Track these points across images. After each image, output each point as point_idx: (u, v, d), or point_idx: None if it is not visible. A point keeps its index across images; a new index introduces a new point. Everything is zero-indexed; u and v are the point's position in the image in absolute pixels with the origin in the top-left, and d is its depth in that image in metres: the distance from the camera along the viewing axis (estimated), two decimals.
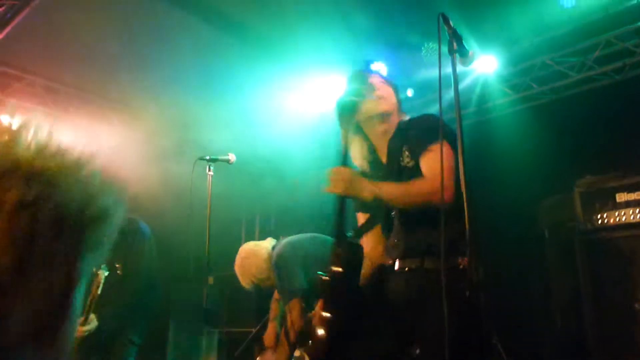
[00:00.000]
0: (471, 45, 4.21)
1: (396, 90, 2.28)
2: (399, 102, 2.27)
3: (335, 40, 4.14)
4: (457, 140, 1.75)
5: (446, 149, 1.85)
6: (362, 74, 2.22)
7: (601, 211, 3.37)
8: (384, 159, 2.22)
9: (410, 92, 5.10)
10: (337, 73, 4.84)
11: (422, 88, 4.90)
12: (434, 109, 2.13)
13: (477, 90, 4.78)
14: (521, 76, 4.71)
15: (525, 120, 4.54)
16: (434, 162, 1.89)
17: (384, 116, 2.19)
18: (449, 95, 1.95)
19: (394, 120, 2.21)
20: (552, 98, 4.58)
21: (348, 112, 2.10)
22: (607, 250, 3.31)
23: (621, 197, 3.33)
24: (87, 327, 3.17)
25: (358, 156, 2.24)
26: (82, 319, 3.21)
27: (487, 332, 3.72)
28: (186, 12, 4.09)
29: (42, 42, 4.27)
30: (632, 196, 3.29)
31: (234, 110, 4.75)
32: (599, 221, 3.36)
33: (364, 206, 2.28)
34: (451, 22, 1.85)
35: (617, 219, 3.31)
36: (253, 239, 5.17)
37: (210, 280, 5.51)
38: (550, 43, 4.38)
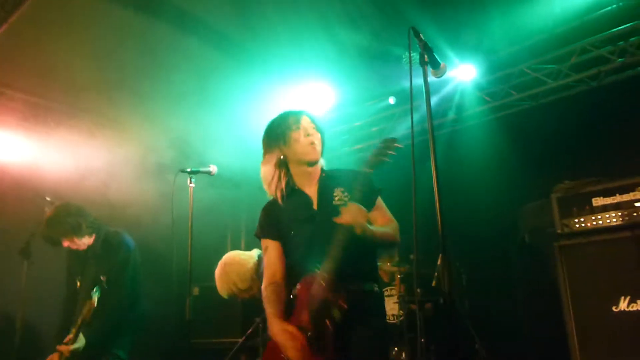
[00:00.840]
0: (448, 54, 4.29)
1: (324, 136, 2.39)
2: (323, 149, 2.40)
3: (316, 50, 4.18)
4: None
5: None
6: (297, 116, 2.35)
7: (578, 216, 3.43)
8: (313, 198, 2.35)
9: (392, 100, 5.17)
10: (318, 81, 4.89)
11: (402, 97, 4.97)
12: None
13: (456, 98, 4.85)
14: (499, 84, 4.79)
15: (504, 128, 4.61)
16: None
17: (312, 164, 2.34)
18: (431, 103, 2.01)
19: (319, 166, 2.38)
20: (530, 105, 4.66)
21: (274, 144, 2.32)
22: (584, 254, 3.37)
23: (597, 202, 3.40)
24: (76, 345, 3.17)
25: (273, 185, 2.36)
26: (70, 336, 3.21)
27: (471, 337, 3.77)
28: (170, 25, 4.12)
29: (23, 56, 4.26)
30: (608, 200, 3.36)
31: (216, 120, 4.77)
32: (576, 225, 3.42)
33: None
34: (421, 35, 1.90)
35: (594, 223, 3.37)
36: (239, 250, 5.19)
37: (196, 291, 5.51)
38: (528, 51, 4.46)
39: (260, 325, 4.87)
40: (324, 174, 2.39)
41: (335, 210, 2.15)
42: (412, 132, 1.93)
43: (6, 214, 4.30)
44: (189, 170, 3.16)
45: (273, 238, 2.35)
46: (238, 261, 3.53)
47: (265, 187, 2.40)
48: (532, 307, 3.86)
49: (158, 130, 4.82)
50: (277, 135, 2.33)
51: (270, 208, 2.40)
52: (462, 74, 4.65)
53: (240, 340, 4.93)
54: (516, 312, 3.98)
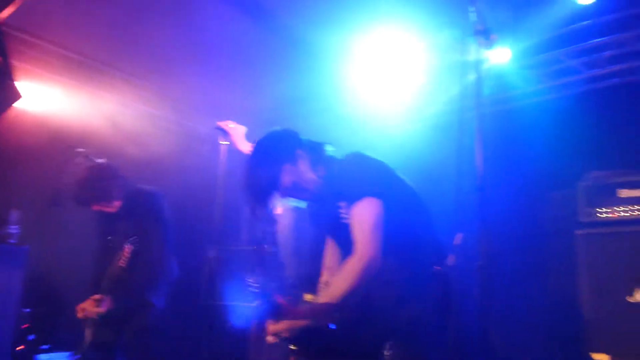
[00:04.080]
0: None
1: (302, 156, 2.18)
2: (308, 165, 2.20)
3: None
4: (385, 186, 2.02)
5: (371, 204, 2.01)
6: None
7: (602, 206, 3.44)
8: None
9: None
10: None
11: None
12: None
13: (488, 82, 4.80)
14: (533, 70, 4.73)
15: (534, 115, 4.57)
16: (357, 230, 2.02)
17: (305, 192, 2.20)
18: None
19: (313, 183, 2.19)
20: (562, 94, 4.61)
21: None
22: (605, 244, 3.38)
23: (623, 193, 3.40)
24: (102, 309, 3.24)
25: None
26: (98, 296, 3.29)
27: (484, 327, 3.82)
28: None
29: (59, 9, 4.29)
30: (634, 193, 3.36)
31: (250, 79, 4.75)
32: (600, 215, 3.43)
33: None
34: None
35: (618, 214, 3.38)
36: None
37: (212, 253, 5.60)
38: (564, 38, 4.39)
39: None
40: (323, 187, 2.29)
41: (346, 230, 2.13)
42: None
43: (41, 164, 4.37)
44: (219, 125, 3.09)
45: None
46: None
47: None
48: (549, 295, 3.89)
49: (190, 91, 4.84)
50: None
51: None
52: (497, 56, 4.59)
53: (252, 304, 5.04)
54: (533, 300, 3.99)
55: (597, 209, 3.45)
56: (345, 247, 2.09)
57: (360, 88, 4.94)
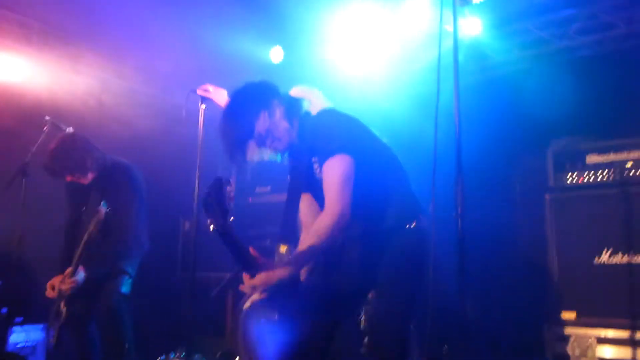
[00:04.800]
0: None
1: (268, 110, 2.17)
2: (280, 118, 2.20)
3: None
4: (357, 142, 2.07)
5: (341, 161, 2.04)
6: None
7: (571, 171, 3.55)
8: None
9: None
10: None
11: None
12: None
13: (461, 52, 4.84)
14: (503, 40, 4.79)
15: (505, 84, 4.65)
16: (327, 186, 2.06)
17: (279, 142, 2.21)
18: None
19: (288, 133, 2.20)
20: (532, 65, 4.69)
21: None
22: (573, 208, 3.50)
23: (591, 159, 3.51)
24: (73, 278, 3.19)
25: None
26: (70, 269, 3.23)
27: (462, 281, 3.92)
28: None
29: None
30: (602, 158, 3.47)
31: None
32: (569, 180, 3.54)
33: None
34: None
35: (586, 180, 3.49)
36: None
37: (186, 225, 5.56)
38: (535, 9, 4.45)
39: None
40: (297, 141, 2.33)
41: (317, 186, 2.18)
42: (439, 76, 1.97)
43: (5, 133, 4.24)
44: (200, 90, 3.00)
45: None
46: None
47: None
48: (520, 257, 4.01)
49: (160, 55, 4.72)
50: None
51: None
52: (468, 27, 4.62)
53: (228, 274, 5.04)
54: (503, 261, 4.12)
55: (566, 174, 3.55)
56: (321, 201, 2.12)
57: (338, 59, 4.93)
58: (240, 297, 4.66)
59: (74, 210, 3.57)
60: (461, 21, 4.51)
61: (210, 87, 3.12)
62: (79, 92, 4.78)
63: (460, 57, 2.84)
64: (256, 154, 2.16)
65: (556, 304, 3.41)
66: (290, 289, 2.04)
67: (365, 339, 3.78)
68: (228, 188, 1.80)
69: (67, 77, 4.78)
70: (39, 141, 3.58)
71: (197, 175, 2.77)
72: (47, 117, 3.66)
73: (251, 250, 2.02)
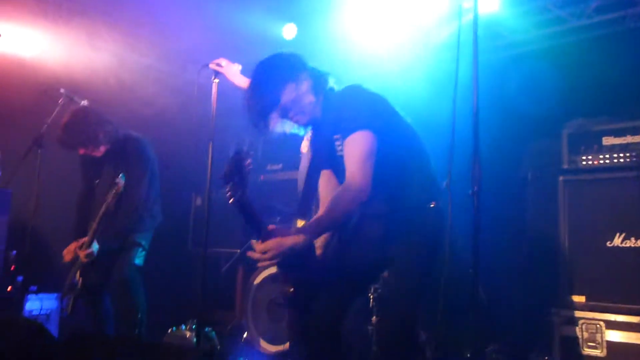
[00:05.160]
0: None
1: (295, 81, 2.17)
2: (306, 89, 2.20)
3: None
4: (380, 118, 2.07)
5: (364, 137, 2.03)
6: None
7: (586, 153, 3.50)
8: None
9: None
10: None
11: None
12: None
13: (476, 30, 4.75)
14: (520, 19, 4.69)
15: (520, 64, 4.57)
16: (348, 161, 2.04)
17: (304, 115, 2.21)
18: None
19: (313, 107, 2.20)
20: (549, 44, 4.60)
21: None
22: (587, 191, 3.46)
23: (607, 141, 3.46)
24: (89, 250, 3.25)
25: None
26: (85, 239, 3.28)
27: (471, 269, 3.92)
28: None
29: None
30: (618, 140, 3.41)
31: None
32: (583, 162, 3.50)
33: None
34: None
35: (601, 162, 3.45)
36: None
37: (199, 201, 5.61)
38: None
39: None
40: (321, 116, 2.34)
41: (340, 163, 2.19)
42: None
43: (23, 105, 4.27)
44: (213, 64, 2.97)
45: None
46: None
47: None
48: (526, 241, 3.99)
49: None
50: None
51: None
52: (485, 4, 4.53)
53: (238, 250, 5.10)
54: (510, 245, 4.10)
55: (581, 156, 3.51)
56: (341, 178, 2.12)
57: (351, 36, 4.88)
58: (251, 272, 4.73)
59: (87, 182, 3.61)
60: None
61: (224, 62, 3.11)
62: (95, 67, 4.80)
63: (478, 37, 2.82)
64: (279, 126, 2.16)
65: (566, 287, 3.40)
66: (303, 261, 2.05)
67: (373, 318, 3.82)
68: (248, 160, 1.83)
69: (83, 51, 4.80)
70: (54, 113, 3.61)
71: (210, 149, 2.76)
72: (62, 90, 3.68)
73: (269, 226, 2.03)
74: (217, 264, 5.33)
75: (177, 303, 5.11)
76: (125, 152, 3.45)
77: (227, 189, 1.83)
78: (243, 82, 3.15)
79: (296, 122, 2.19)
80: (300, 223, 2.15)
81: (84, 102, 3.64)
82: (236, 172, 1.83)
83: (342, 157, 2.12)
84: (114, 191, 3.15)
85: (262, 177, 5.35)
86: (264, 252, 1.96)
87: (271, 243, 1.96)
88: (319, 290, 2.15)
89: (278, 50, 2.25)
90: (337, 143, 2.17)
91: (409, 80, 4.81)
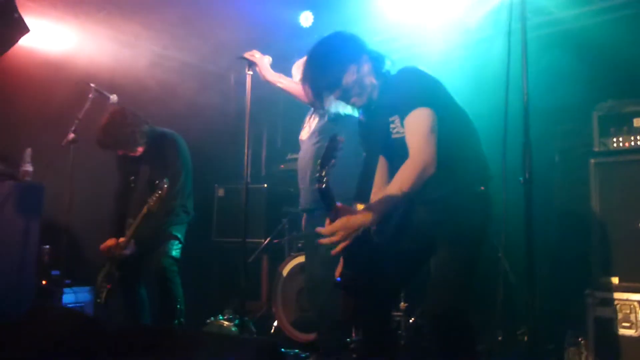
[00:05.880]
0: None
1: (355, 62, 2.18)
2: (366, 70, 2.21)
3: None
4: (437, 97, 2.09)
5: (425, 113, 2.03)
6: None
7: (617, 135, 3.48)
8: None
9: None
10: None
11: None
12: None
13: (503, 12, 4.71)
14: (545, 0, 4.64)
15: (550, 45, 4.51)
16: (412, 136, 2.04)
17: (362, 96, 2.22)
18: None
19: (372, 88, 2.21)
20: (577, 24, 4.55)
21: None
22: (618, 173, 3.43)
23: (638, 123, 3.43)
24: (126, 252, 3.30)
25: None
26: (123, 240, 3.33)
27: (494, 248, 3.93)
28: None
29: None
30: None
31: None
32: (614, 144, 3.48)
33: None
34: None
35: (632, 144, 3.42)
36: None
37: (221, 192, 5.64)
38: None
39: (286, 226, 5.06)
40: (377, 98, 2.34)
41: (395, 145, 2.21)
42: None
43: (53, 101, 4.30)
44: (248, 54, 2.95)
45: None
46: None
47: None
48: (561, 223, 3.98)
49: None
50: None
51: None
52: None
53: (264, 241, 5.13)
54: (547, 226, 4.08)
55: (612, 138, 3.49)
56: (396, 163, 2.12)
57: (368, 23, 4.84)
58: (276, 261, 4.75)
59: (124, 179, 3.66)
60: None
61: (257, 54, 3.11)
62: (128, 63, 4.81)
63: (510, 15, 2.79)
64: (333, 105, 2.18)
65: (599, 268, 3.39)
66: (362, 246, 2.06)
67: (402, 304, 3.84)
68: (340, 148, 1.90)
69: (116, 48, 4.83)
70: (85, 108, 3.64)
71: (246, 138, 2.75)
72: (92, 85, 3.70)
73: (338, 204, 2.05)
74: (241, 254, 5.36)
75: (204, 293, 5.17)
76: (161, 150, 3.49)
77: (322, 174, 1.88)
78: (272, 76, 3.15)
79: (353, 103, 2.20)
80: (360, 207, 2.16)
81: (114, 97, 3.67)
82: (330, 158, 1.90)
83: (396, 140, 2.12)
84: (157, 195, 3.19)
85: (282, 167, 5.38)
86: (333, 234, 1.97)
87: (339, 224, 1.95)
88: (375, 276, 2.16)
89: (338, 30, 2.25)
90: (392, 126, 2.17)
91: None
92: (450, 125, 2.13)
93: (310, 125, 3.40)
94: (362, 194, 2.23)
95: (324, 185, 1.90)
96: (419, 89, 2.10)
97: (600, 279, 3.35)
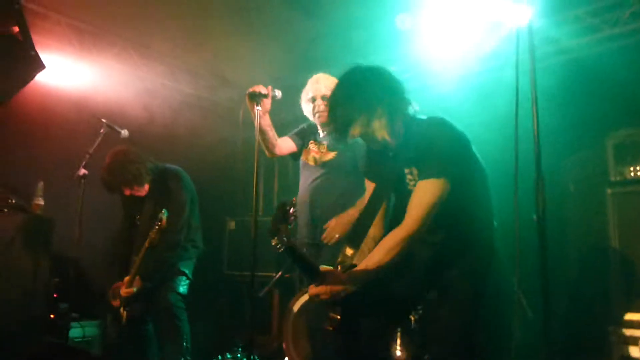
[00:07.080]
0: None
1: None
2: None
3: None
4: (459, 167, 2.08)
5: (438, 185, 2.03)
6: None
7: (633, 164, 3.40)
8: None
9: None
10: None
11: None
12: None
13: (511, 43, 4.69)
14: (554, 28, 4.64)
15: (559, 74, 4.49)
16: (416, 200, 2.05)
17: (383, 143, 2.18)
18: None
19: (382, 141, 2.17)
20: (586, 52, 4.53)
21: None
22: (635, 203, 3.34)
23: None
24: (132, 289, 3.27)
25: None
26: (128, 278, 3.31)
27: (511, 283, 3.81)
28: None
29: None
30: None
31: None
32: (631, 174, 3.40)
33: (369, 173, 2.40)
34: None
35: None
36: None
37: (232, 225, 5.61)
38: None
39: None
40: (397, 147, 2.32)
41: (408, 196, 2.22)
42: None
43: (66, 136, 4.36)
44: (254, 91, 2.83)
45: None
46: None
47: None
48: (579, 257, 3.87)
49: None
50: None
51: None
52: (517, 16, 4.49)
53: (275, 275, 5.06)
54: (564, 260, 3.97)
55: (628, 167, 3.41)
56: (405, 204, 2.10)
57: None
58: (287, 296, 4.67)
59: (129, 217, 3.65)
60: (511, 8, 4.37)
61: (264, 90, 3.02)
62: (134, 96, 4.89)
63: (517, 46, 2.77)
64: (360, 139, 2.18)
65: (620, 304, 3.26)
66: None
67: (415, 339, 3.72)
68: (291, 209, 1.90)
69: (126, 82, 4.90)
70: (96, 143, 3.67)
71: (255, 173, 2.72)
72: (103, 120, 3.74)
73: (321, 267, 2.08)
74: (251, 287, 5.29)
75: (215, 326, 5.09)
76: (165, 186, 3.48)
77: (275, 239, 1.88)
78: (266, 120, 3.04)
79: (372, 143, 2.19)
80: (349, 251, 2.14)
81: (125, 132, 3.70)
82: (281, 220, 1.91)
83: (410, 192, 2.11)
84: (157, 227, 3.18)
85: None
86: (316, 295, 2.02)
87: (323, 289, 1.99)
88: (367, 316, 2.13)
89: (366, 66, 2.18)
90: (410, 177, 2.17)
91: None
92: (464, 190, 2.12)
93: (314, 150, 3.34)
94: (355, 237, 2.21)
95: (281, 247, 1.90)
96: (440, 153, 2.06)
97: (623, 315, 3.22)
